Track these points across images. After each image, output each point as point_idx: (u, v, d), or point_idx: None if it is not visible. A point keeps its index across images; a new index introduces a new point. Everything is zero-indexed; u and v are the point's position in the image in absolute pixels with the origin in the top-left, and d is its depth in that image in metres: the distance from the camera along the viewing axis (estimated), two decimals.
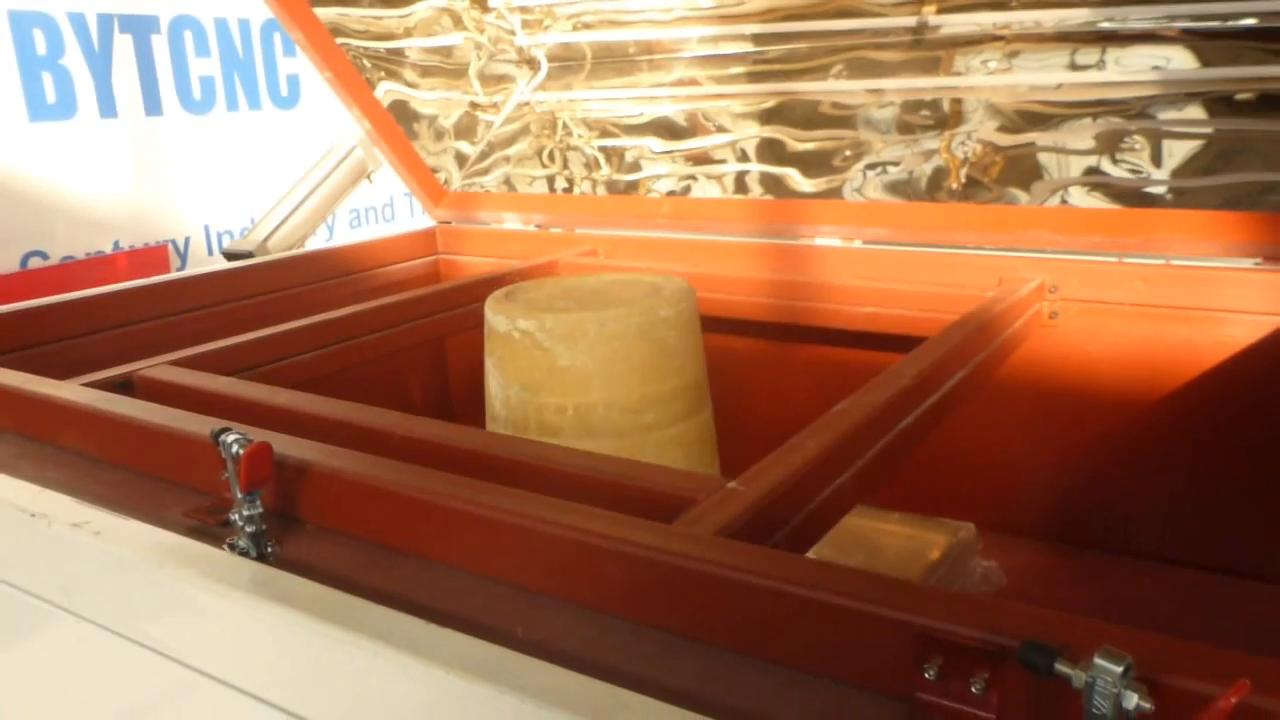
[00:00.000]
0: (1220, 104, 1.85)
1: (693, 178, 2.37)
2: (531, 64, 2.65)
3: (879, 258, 1.85)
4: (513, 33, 2.61)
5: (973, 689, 0.59)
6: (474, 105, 2.61)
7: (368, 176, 2.37)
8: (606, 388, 1.35)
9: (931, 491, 1.76)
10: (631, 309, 1.40)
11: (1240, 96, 1.84)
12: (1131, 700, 0.50)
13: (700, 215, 2.16)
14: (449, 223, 2.41)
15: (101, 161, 3.23)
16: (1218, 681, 0.50)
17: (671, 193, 2.37)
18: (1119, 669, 0.50)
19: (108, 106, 3.21)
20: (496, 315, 1.44)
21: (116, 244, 3.31)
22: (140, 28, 3.28)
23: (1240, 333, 1.58)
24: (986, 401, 1.61)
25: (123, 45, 3.24)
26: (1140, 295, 1.63)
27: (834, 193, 2.12)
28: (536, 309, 1.45)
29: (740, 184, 2.30)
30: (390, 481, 0.87)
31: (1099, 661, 0.50)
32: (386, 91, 2.34)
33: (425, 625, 0.69)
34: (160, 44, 3.35)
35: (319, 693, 0.73)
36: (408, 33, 2.43)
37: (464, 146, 2.59)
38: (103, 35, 3.18)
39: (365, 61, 2.33)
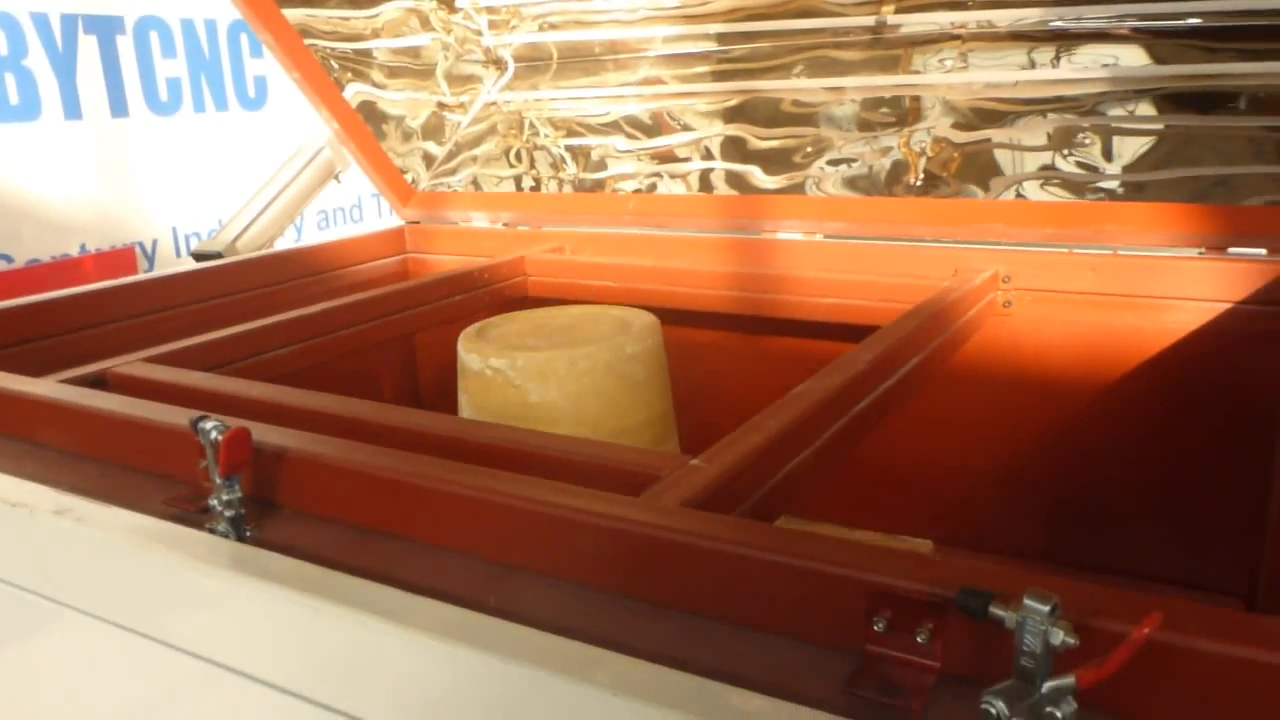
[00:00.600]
0: (1167, 101, 1.92)
1: (658, 175, 2.41)
2: (498, 64, 2.68)
3: (840, 251, 1.90)
4: (480, 33, 2.64)
5: (918, 639, 0.63)
6: (441, 105, 2.63)
7: (336, 177, 2.39)
8: (577, 423, 1.40)
9: (890, 494, 1.81)
10: (600, 346, 1.45)
11: (1186, 93, 1.91)
12: (1058, 636, 0.54)
13: (666, 212, 2.20)
14: (417, 222, 2.43)
15: (66, 163, 3.21)
16: (1136, 621, 0.54)
17: (638, 190, 2.40)
18: (1046, 608, 0.54)
19: (72, 108, 3.19)
20: (469, 354, 1.48)
21: (83, 247, 3.29)
22: (105, 28, 3.27)
23: (1184, 319, 1.64)
24: (945, 386, 1.67)
25: (87, 46, 3.22)
26: (1090, 284, 1.70)
27: (796, 188, 2.17)
28: (508, 347, 1.50)
29: (705, 181, 2.34)
30: (366, 464, 0.90)
31: (1028, 602, 0.55)
32: (355, 92, 2.36)
33: (403, 594, 0.73)
34: (125, 45, 3.34)
35: (303, 664, 0.76)
36: (375, 33, 2.45)
37: (431, 147, 2.61)
38: (66, 36, 3.17)
39: (333, 62, 2.34)
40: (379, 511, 0.89)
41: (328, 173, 2.32)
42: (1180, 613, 0.57)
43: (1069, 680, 0.54)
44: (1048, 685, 0.54)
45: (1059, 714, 0.54)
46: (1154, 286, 1.67)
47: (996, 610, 0.57)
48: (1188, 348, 1.65)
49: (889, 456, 1.77)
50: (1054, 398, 1.74)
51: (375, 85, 2.45)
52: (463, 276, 1.95)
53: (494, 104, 2.70)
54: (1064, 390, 1.73)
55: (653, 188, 2.39)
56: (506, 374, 1.40)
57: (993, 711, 0.55)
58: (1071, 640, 0.54)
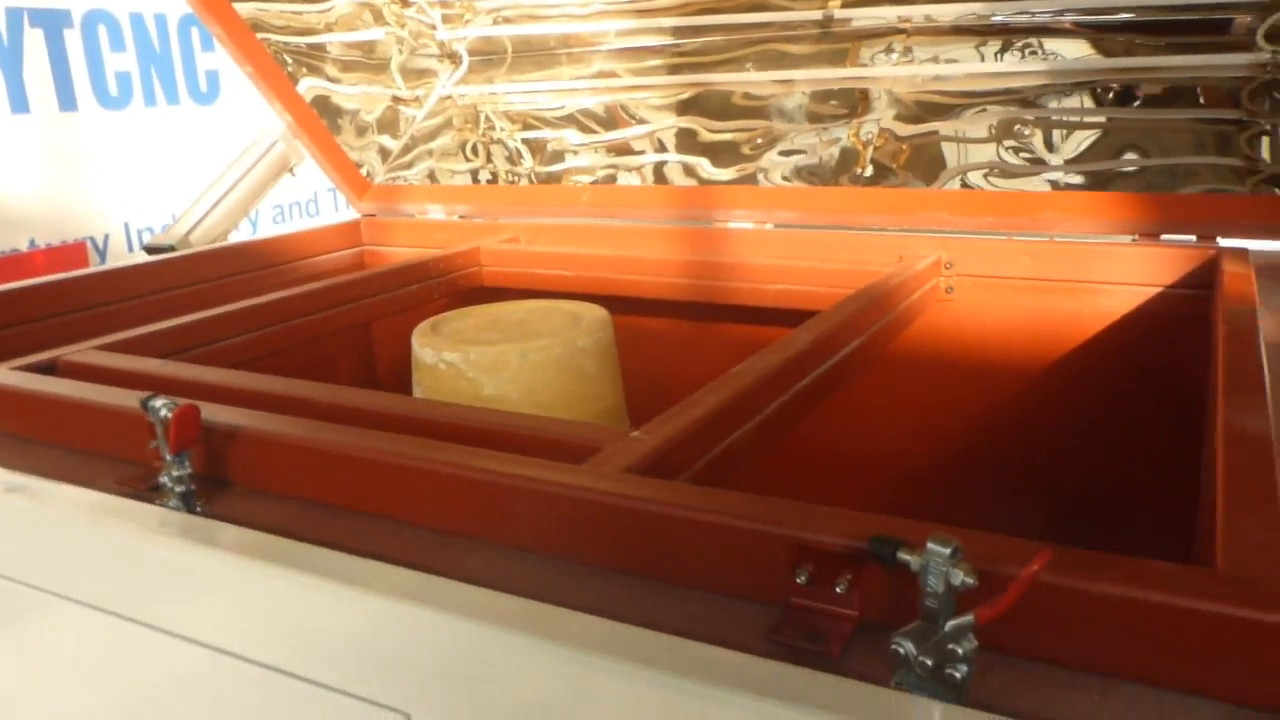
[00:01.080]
0: (1104, 94, 1.99)
1: (613, 168, 2.44)
2: (453, 58, 2.69)
3: (789, 239, 1.95)
4: (434, 27, 2.65)
5: (838, 589, 0.67)
6: (396, 99, 2.64)
7: (290, 170, 2.39)
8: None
9: (835, 476, 1.86)
10: (552, 340, 1.48)
11: (1121, 87, 1.98)
12: (958, 577, 0.58)
13: (620, 203, 2.23)
14: (373, 215, 2.44)
15: (15, 158, 3.18)
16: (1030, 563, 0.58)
17: (594, 182, 2.43)
18: (947, 550, 0.58)
19: (19, 102, 3.16)
20: (423, 348, 1.50)
21: (32, 242, 3.26)
22: (52, 22, 3.24)
23: (1117, 303, 1.71)
24: (889, 370, 1.72)
25: (34, 40, 3.19)
26: (1028, 270, 1.75)
27: (748, 179, 2.21)
28: (462, 341, 1.52)
29: (659, 173, 2.37)
30: (314, 440, 0.92)
31: (931, 546, 0.59)
32: (309, 87, 2.36)
33: (352, 558, 0.75)
34: (74, 39, 3.30)
35: (258, 630, 0.78)
36: (328, 27, 2.46)
37: (387, 141, 2.62)
38: (12, 29, 3.13)
39: (286, 57, 2.35)
40: (328, 486, 0.91)
41: (282, 166, 2.32)
42: (1067, 555, 0.61)
43: (968, 618, 0.58)
44: (950, 624, 0.58)
45: (960, 650, 0.58)
46: (1089, 272, 1.72)
47: (903, 555, 0.61)
48: (1121, 330, 1.71)
49: (835, 439, 1.82)
50: (995, 380, 1.79)
51: (329, 79, 2.45)
52: (418, 266, 1.97)
53: (449, 98, 2.71)
54: (1005, 373, 1.78)
55: (609, 179, 2.42)
56: (459, 367, 1.42)
57: (901, 651, 0.59)
58: (971, 580, 0.58)
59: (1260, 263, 1.64)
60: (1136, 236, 1.78)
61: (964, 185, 2.04)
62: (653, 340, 2.03)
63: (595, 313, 1.60)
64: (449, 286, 2.02)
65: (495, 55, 2.65)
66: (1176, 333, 1.70)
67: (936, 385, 1.84)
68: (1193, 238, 1.74)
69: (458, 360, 1.43)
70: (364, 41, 2.54)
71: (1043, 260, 1.75)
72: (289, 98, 2.27)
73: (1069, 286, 1.73)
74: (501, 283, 2.09)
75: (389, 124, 2.62)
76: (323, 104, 2.41)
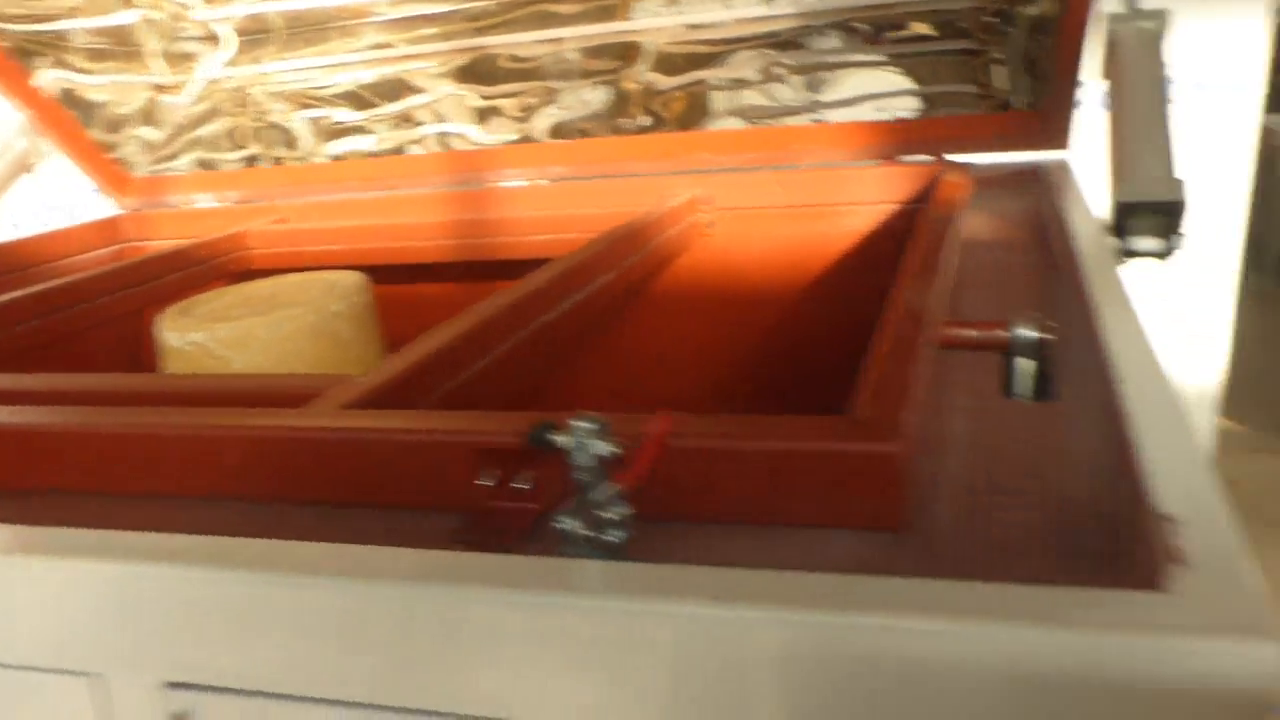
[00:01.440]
0: (854, 33, 2.10)
1: (394, 141, 2.41)
2: (215, 39, 2.58)
3: (557, 192, 1.99)
4: (190, 7, 2.53)
5: (519, 486, 0.71)
6: (157, 88, 2.52)
7: (29, 169, 2.25)
8: None
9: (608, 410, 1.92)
10: (305, 309, 1.45)
11: (872, 26, 2.10)
12: (605, 449, 0.62)
13: (392, 174, 2.21)
14: (138, 210, 2.33)
15: None
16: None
17: (372, 154, 2.39)
18: (594, 426, 0.62)
19: None
20: (168, 332, 1.45)
21: None
22: None
23: (859, 221, 1.83)
24: (657, 303, 1.78)
25: None
26: (781, 198, 1.85)
27: (526, 139, 2.23)
28: (209, 320, 1.47)
29: (442, 143, 2.36)
30: (19, 425, 0.89)
31: (576, 424, 0.63)
32: (54, 79, 2.22)
33: (25, 529, 0.73)
34: None
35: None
36: (72, 13, 2.31)
37: (148, 132, 2.50)
38: None
39: (26, 45, 2.20)
40: (41, 472, 0.88)
41: (20, 166, 2.18)
42: (689, 420, 0.67)
43: (615, 487, 0.62)
44: (599, 494, 0.62)
45: (615, 517, 0.62)
46: (835, 195, 1.84)
47: (553, 436, 0.64)
48: (865, 244, 1.83)
49: (609, 377, 1.87)
50: (756, 305, 1.89)
51: (76, 70, 2.31)
52: (180, 254, 1.90)
53: (215, 81, 2.60)
54: (765, 297, 1.88)
55: (393, 153, 2.38)
56: (207, 346, 1.38)
57: (563, 526, 0.63)
58: (615, 449, 0.62)
59: (984, 175, 1.79)
60: (877, 160, 1.90)
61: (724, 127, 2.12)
62: (424, 305, 2.03)
63: (352, 278, 1.59)
64: (218, 270, 1.95)
65: (263, 34, 2.55)
66: (905, 241, 1.83)
67: (703, 314, 1.92)
68: (928, 156, 1.88)
69: (203, 339, 1.39)
70: (115, 27, 2.41)
71: (794, 188, 1.85)
72: (24, 91, 2.14)
73: (818, 210, 1.84)
74: (271, 264, 2.04)
75: (149, 114, 2.50)
76: (69, 96, 2.27)
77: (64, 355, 1.65)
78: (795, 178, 1.86)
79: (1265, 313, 4.46)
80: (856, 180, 1.83)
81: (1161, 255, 1.29)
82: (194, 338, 1.39)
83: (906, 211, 1.79)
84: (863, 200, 1.82)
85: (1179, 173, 1.38)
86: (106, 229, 2.25)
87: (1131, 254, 1.30)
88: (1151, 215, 1.27)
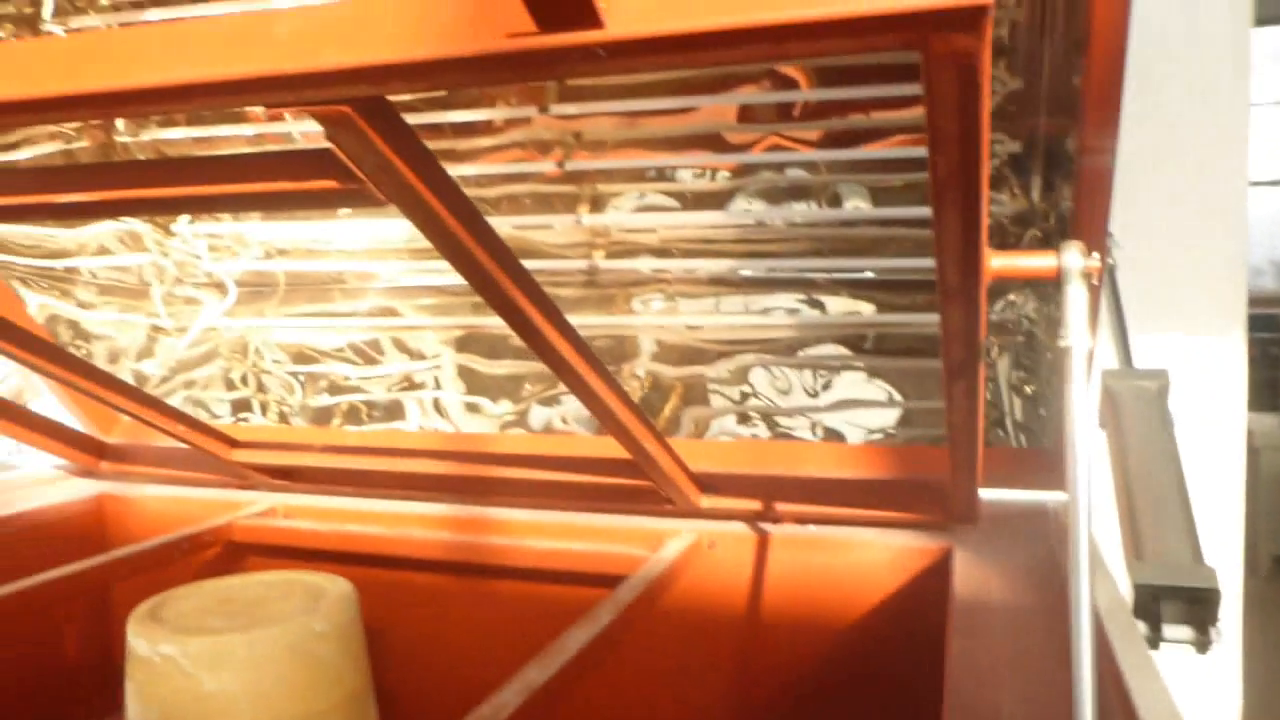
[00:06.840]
0: (858, 342, 2.17)
1: (386, 402, 2.40)
2: (220, 288, 2.62)
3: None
4: (199, 257, 2.58)
5: None
6: (156, 329, 2.53)
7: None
8: (254, 712, 1.29)
9: None
10: (285, 627, 1.36)
11: (867, 337, 2.17)
12: None
13: (386, 442, 2.18)
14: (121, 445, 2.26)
15: None
16: None
17: (371, 413, 2.38)
18: None
19: None
20: (138, 638, 1.35)
21: None
22: None
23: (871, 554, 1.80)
24: (656, 627, 1.71)
25: None
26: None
27: (521, 418, 2.22)
28: (182, 629, 1.38)
29: (438, 408, 2.35)
30: None
31: None
32: (59, 312, 2.22)
33: None
34: None
35: None
36: (82, 249, 2.36)
37: (146, 366, 2.49)
38: None
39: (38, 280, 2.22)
40: None
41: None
42: None
43: None
44: None
45: None
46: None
47: None
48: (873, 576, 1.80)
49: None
50: (760, 631, 1.82)
51: (79, 304, 2.33)
52: (168, 546, 1.79)
53: (214, 329, 2.62)
54: (766, 620, 1.81)
55: (383, 415, 2.37)
56: (178, 661, 1.27)
57: None
58: None
59: (992, 512, 1.77)
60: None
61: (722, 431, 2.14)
62: (412, 597, 1.93)
63: (337, 591, 1.49)
64: (200, 563, 1.85)
65: (266, 287, 2.60)
66: (918, 568, 1.79)
67: (702, 636, 1.84)
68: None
69: (175, 653, 1.28)
70: (122, 266, 2.45)
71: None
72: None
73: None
74: (256, 554, 1.95)
75: (146, 351, 2.50)
76: (73, 328, 2.27)
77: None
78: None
79: (1268, 620, 4.36)
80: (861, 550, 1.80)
81: (1200, 648, 1.21)
82: (165, 650, 1.28)
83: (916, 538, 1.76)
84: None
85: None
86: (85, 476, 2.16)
87: (1161, 641, 1.24)
88: (1182, 602, 1.22)
